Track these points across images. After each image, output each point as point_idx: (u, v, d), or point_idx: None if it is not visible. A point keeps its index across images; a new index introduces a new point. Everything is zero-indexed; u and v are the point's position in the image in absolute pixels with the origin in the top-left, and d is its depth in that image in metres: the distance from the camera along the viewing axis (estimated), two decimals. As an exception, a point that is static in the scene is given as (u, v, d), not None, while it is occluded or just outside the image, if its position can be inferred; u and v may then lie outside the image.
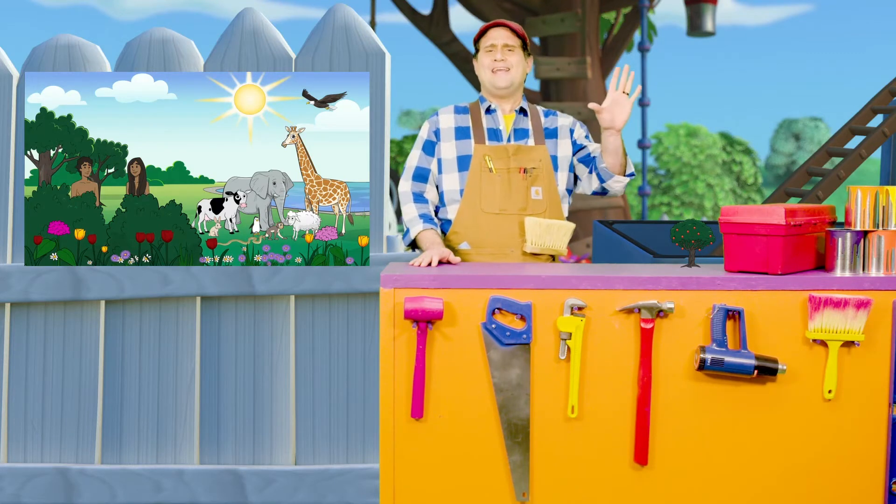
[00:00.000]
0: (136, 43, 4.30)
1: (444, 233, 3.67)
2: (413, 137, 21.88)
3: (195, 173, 4.24)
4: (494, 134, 3.64)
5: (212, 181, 4.24)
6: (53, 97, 4.22)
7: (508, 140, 3.63)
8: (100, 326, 4.27)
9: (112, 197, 4.22)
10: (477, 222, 3.57)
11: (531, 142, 3.64)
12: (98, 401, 4.27)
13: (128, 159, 4.23)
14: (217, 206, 4.23)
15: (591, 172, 3.63)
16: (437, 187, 3.69)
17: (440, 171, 3.66)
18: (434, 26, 17.05)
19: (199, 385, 4.27)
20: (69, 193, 4.22)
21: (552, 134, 3.68)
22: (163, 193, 4.23)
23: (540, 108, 3.74)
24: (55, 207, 4.21)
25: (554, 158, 3.64)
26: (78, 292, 4.18)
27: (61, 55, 4.27)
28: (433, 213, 3.66)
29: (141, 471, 4.21)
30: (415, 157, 3.70)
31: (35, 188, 4.22)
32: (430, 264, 3.25)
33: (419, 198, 3.66)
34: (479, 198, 3.57)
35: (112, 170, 4.23)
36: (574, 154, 3.70)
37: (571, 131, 3.72)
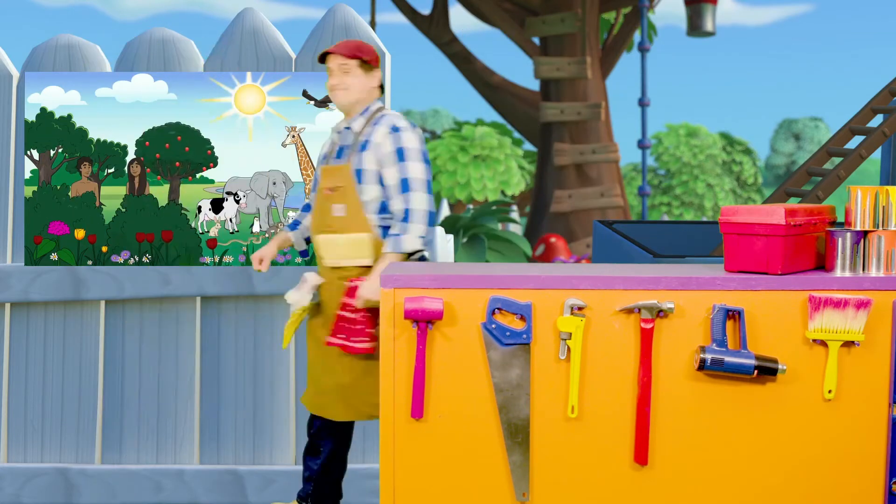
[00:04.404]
0: (136, 43, 4.30)
1: None
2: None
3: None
4: (340, 152, 3.66)
5: (212, 181, 4.24)
6: (53, 97, 4.22)
7: (337, 157, 3.64)
8: (100, 326, 4.27)
9: (112, 197, 4.22)
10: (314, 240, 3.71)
11: (342, 160, 3.61)
12: (98, 401, 4.27)
13: (128, 159, 4.23)
14: (217, 206, 4.23)
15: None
16: None
17: None
18: (434, 26, 17.06)
19: (199, 385, 4.27)
20: (69, 193, 4.21)
21: (364, 146, 3.58)
22: (163, 193, 4.23)
23: (381, 115, 3.62)
24: (55, 207, 4.21)
25: (358, 172, 3.56)
26: (78, 292, 4.18)
27: (61, 55, 4.27)
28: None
29: (141, 471, 4.21)
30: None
31: (35, 188, 4.22)
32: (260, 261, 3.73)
33: (306, 207, 3.90)
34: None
35: (112, 170, 4.23)
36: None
37: (378, 146, 3.57)
